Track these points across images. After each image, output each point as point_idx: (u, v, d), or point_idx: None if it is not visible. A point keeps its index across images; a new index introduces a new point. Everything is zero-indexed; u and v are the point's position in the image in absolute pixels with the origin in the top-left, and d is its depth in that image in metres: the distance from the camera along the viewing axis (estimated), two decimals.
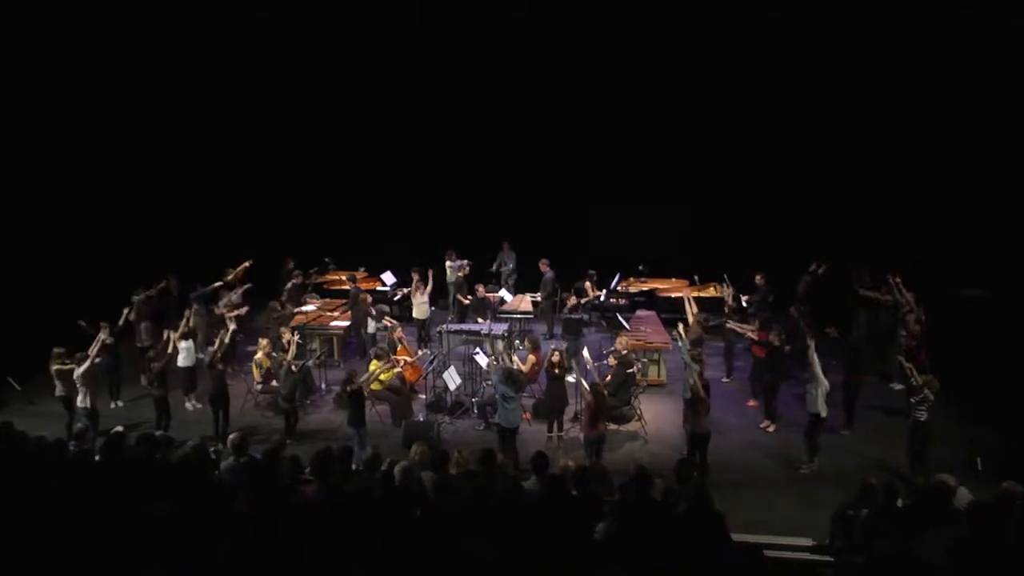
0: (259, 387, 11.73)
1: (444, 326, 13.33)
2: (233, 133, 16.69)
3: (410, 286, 14.73)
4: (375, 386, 11.30)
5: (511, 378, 9.78)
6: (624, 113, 16.42)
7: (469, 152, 17.01)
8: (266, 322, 13.46)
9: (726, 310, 12.80)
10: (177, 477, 6.76)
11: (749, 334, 11.68)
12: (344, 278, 15.46)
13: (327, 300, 15.44)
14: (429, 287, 14.21)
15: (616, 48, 15.85)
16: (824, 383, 9.67)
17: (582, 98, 16.51)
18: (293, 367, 11.04)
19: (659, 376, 12.73)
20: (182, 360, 11.65)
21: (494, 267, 16.19)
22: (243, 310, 13.36)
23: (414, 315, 14.26)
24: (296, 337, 12.11)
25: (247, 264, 14.65)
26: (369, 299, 13.84)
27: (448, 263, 15.85)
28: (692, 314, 12.10)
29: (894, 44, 14.04)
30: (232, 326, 11.86)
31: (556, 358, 10.66)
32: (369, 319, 13.60)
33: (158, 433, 8.30)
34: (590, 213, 16.84)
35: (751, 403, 11.90)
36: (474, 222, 16.53)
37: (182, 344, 11.54)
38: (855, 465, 9.80)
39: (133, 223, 15.61)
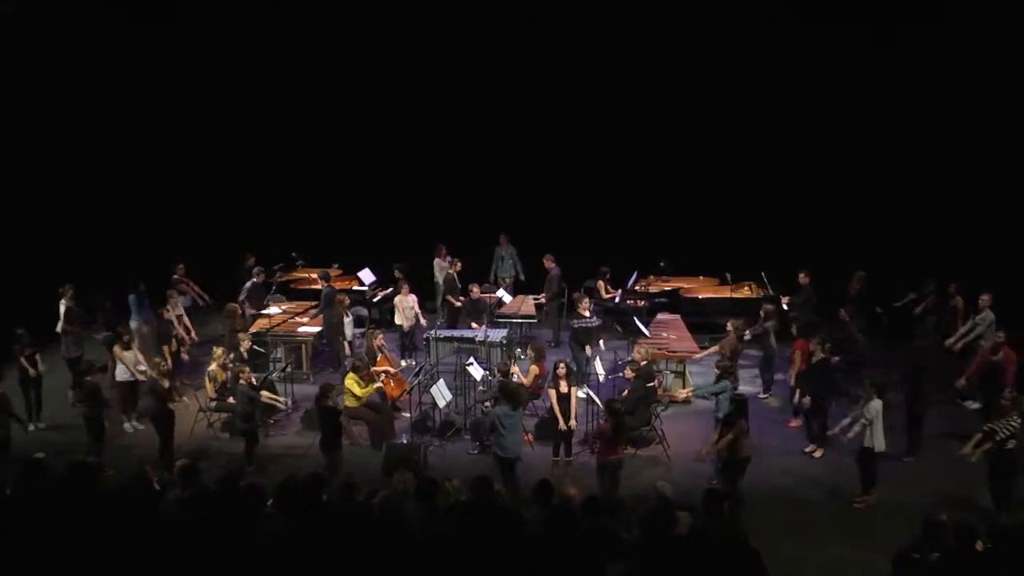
0: (212, 404, 11.65)
1: (432, 332, 13.24)
2: (180, 107, 16.69)
3: (391, 286, 14.57)
4: (352, 403, 11.23)
5: (509, 394, 9.67)
6: (644, 88, 16.39)
7: (461, 131, 16.97)
8: (222, 328, 13.37)
9: (762, 314, 12.70)
10: (112, 512, 6.62)
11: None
12: (315, 276, 15.36)
13: (295, 302, 15.37)
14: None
15: (643, 21, 15.91)
16: (870, 411, 9.49)
17: (591, 70, 16.47)
18: (253, 380, 10.95)
19: (685, 391, 12.62)
20: (120, 373, 11.49)
21: (492, 276, 16.18)
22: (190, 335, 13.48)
23: (397, 320, 14.21)
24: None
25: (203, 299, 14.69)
26: (346, 301, 13.74)
27: (437, 260, 15.76)
28: (719, 349, 11.99)
29: (958, 36, 14.08)
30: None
31: (562, 371, 10.59)
32: (345, 324, 13.47)
33: (90, 459, 8.17)
34: (602, 201, 16.77)
35: (793, 423, 11.82)
36: (467, 212, 16.48)
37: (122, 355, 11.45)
38: (921, 499, 9.68)
39: (63, 214, 15.64)
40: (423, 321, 14.23)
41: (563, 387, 10.56)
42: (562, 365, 10.72)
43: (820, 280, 13.74)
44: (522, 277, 16.25)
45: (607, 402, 9.55)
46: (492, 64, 16.43)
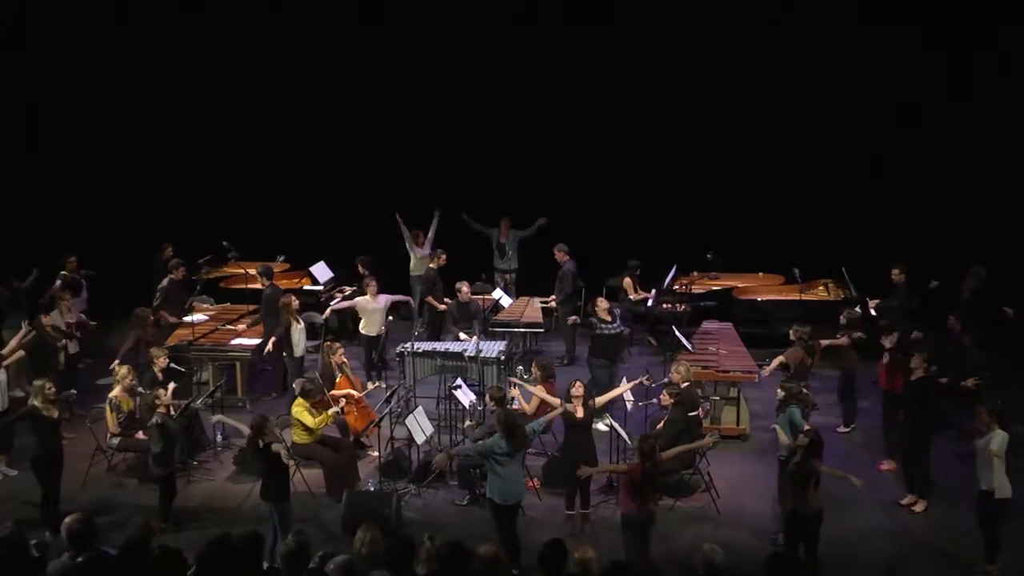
0: (115, 442, 11.53)
1: (408, 345, 13.20)
2: (83, 67, 16.84)
3: (355, 284, 14.63)
4: (302, 438, 11.20)
5: (507, 426, 9.59)
6: (688, 47, 16.51)
7: (448, 89, 17.08)
8: (129, 340, 13.28)
9: (843, 321, 12.68)
10: None
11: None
12: (253, 272, 15.28)
13: (226, 306, 15.42)
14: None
15: None
16: (995, 447, 9.37)
17: (626, 29, 16.62)
18: (171, 410, 10.85)
19: (738, 423, 12.66)
20: None
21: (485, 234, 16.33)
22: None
23: (362, 329, 14.21)
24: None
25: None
26: (294, 303, 13.67)
27: (414, 248, 15.71)
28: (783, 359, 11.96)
29: None
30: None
31: (579, 391, 10.50)
32: (293, 334, 13.46)
33: None
34: (631, 176, 16.84)
35: (885, 466, 11.77)
36: (456, 189, 16.49)
37: None
38: None
39: None
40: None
41: (579, 413, 10.49)
42: (579, 384, 10.65)
43: (920, 277, 13.74)
44: (543, 221, 16.10)
45: (640, 440, 9.42)
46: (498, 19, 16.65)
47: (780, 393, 10.35)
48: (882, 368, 11.75)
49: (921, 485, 10.87)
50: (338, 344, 12.71)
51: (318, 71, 17.31)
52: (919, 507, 10.84)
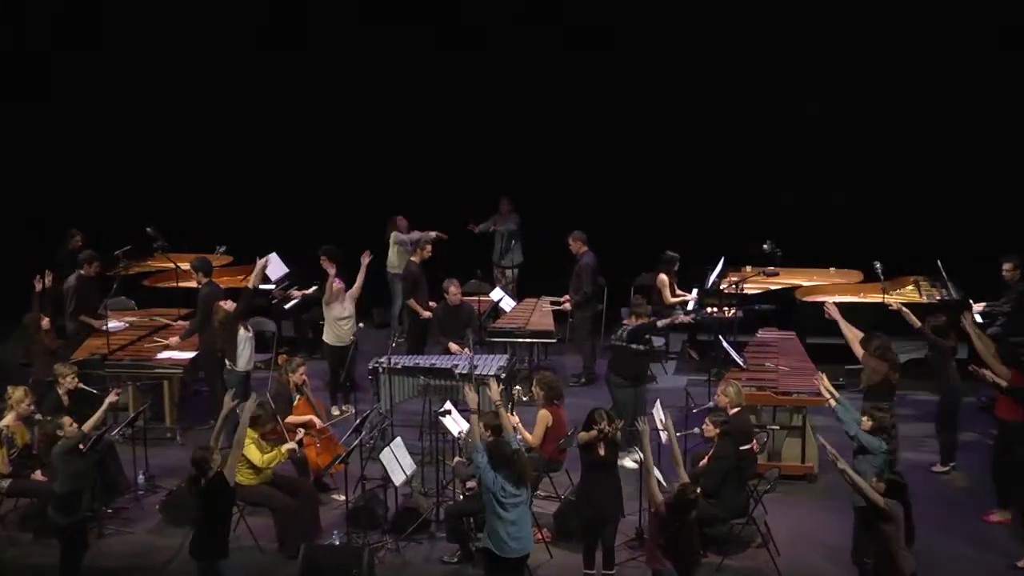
0: (5, 484, 11.49)
1: (383, 359, 13.16)
2: None
3: (315, 283, 14.73)
4: (247, 478, 11.12)
5: (505, 460, 9.51)
6: None
7: (437, 50, 17.37)
8: (22, 353, 13.37)
9: (923, 328, 12.51)
10: None
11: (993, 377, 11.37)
12: (186, 267, 15.21)
13: (152, 310, 15.43)
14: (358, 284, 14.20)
15: None
16: None
17: None
18: (80, 444, 10.70)
19: (803, 459, 12.62)
20: None
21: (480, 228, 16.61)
22: None
23: (326, 339, 14.26)
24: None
25: None
26: (226, 307, 13.54)
27: (395, 234, 15.94)
28: (858, 345, 11.96)
29: None
30: None
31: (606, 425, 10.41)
32: (239, 344, 13.38)
33: None
34: (666, 149, 16.93)
35: (996, 516, 11.63)
36: (446, 167, 16.84)
37: None
38: None
39: None
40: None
41: (600, 450, 10.36)
42: (603, 415, 10.47)
43: None
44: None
45: (679, 490, 9.28)
46: None
47: (867, 422, 10.14)
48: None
49: None
50: (297, 359, 12.66)
51: (268, 37, 17.63)
52: None
